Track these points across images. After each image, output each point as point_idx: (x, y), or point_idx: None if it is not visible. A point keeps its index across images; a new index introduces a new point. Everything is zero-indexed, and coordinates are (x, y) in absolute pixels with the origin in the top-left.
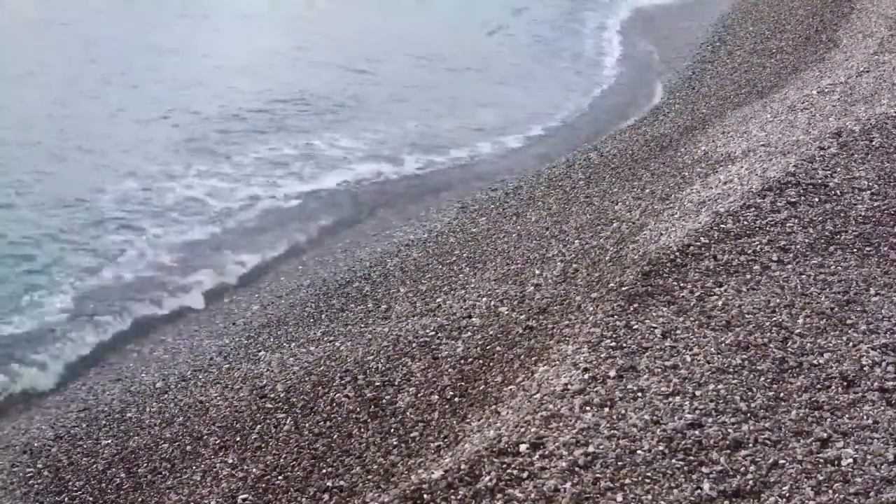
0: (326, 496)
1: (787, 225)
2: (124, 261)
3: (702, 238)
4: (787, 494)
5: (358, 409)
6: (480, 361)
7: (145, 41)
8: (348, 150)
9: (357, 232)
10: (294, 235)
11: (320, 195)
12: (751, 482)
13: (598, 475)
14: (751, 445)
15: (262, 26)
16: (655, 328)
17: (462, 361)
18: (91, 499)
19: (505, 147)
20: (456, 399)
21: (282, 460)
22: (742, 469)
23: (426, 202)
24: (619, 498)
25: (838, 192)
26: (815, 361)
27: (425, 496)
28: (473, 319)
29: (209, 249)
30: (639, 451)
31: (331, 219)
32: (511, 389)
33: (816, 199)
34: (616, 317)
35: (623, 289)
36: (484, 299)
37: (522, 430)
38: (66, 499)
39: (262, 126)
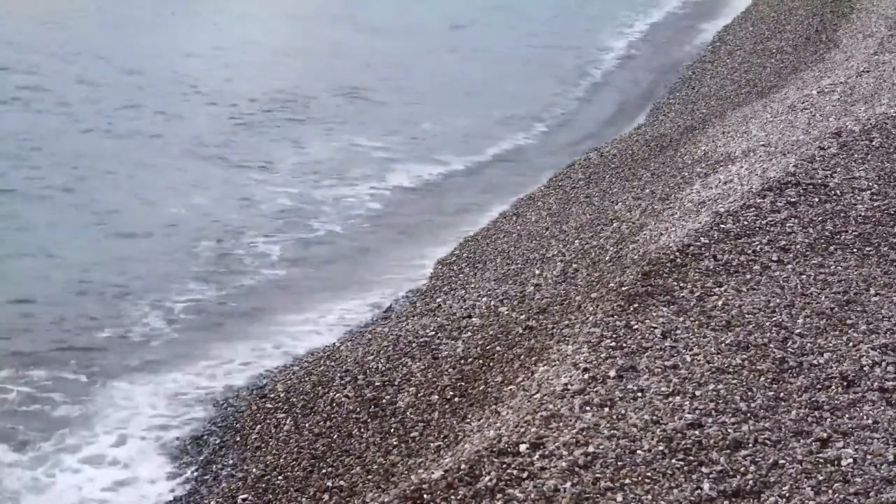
0: (326, 496)
1: (787, 225)
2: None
3: (702, 238)
4: (787, 494)
5: (358, 409)
6: (480, 361)
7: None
8: (378, 149)
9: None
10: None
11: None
12: (751, 482)
13: (598, 475)
14: (751, 445)
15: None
16: (655, 328)
17: (462, 361)
18: None
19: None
20: (456, 399)
21: (282, 460)
22: (742, 469)
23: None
24: (619, 498)
25: (838, 192)
26: (815, 361)
27: (425, 496)
28: (473, 319)
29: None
30: (639, 451)
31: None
32: (511, 389)
33: (816, 199)
34: (616, 317)
35: (623, 289)
36: (484, 299)
37: (522, 430)
38: None
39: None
